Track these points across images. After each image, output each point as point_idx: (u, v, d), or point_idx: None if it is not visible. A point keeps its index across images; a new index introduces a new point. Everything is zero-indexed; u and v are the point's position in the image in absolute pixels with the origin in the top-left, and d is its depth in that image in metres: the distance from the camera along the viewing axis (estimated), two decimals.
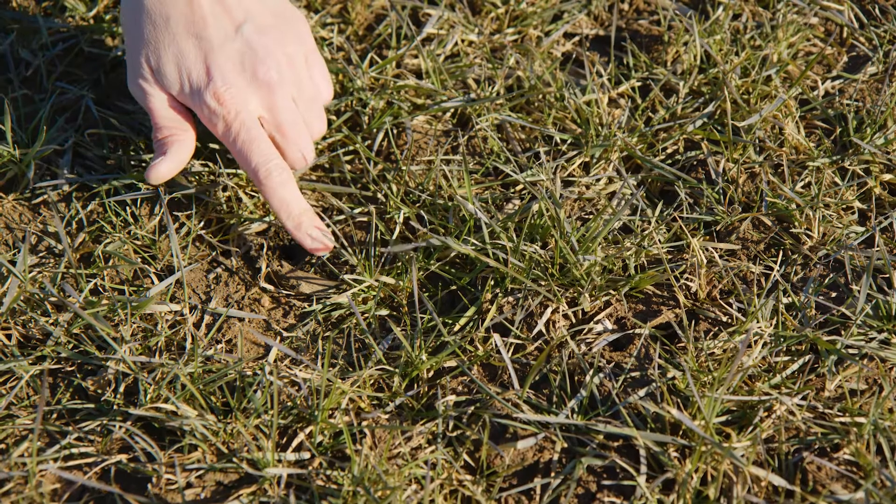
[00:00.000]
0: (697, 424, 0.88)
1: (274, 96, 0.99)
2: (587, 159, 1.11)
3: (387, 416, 0.93)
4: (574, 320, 1.00)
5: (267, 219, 1.06)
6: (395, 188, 1.08)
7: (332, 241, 1.00)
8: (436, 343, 0.98)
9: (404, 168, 1.09)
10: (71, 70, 1.18)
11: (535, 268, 1.00)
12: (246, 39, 0.98)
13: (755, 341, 0.96)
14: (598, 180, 1.10)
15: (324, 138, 1.13)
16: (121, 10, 1.02)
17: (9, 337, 0.97)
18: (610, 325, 0.99)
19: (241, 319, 1.00)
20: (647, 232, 1.03)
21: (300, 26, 1.03)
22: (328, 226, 1.06)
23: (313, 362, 0.97)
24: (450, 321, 0.99)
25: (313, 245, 1.00)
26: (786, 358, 0.96)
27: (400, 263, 1.03)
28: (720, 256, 1.04)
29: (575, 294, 1.00)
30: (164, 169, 1.00)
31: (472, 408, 0.93)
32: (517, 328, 0.98)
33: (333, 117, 1.15)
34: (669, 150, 1.13)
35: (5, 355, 0.95)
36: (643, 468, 0.88)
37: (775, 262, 1.03)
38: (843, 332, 0.97)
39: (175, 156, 1.01)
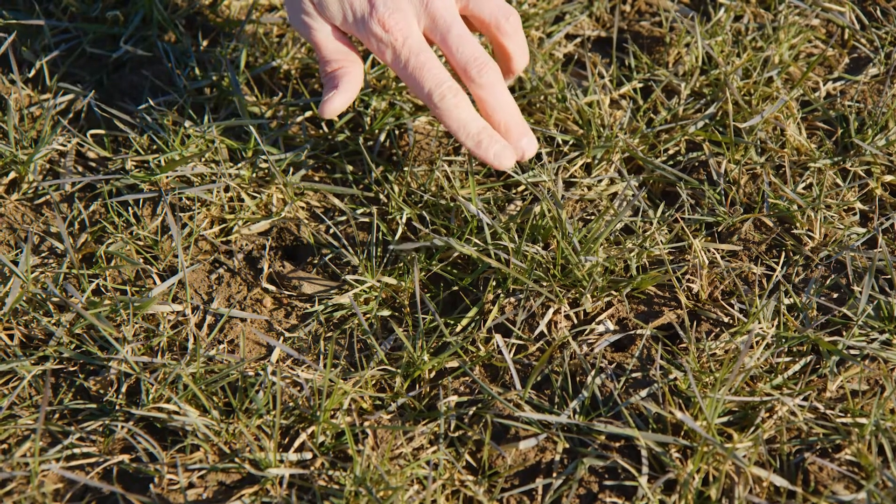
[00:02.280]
0: (699, 425, 0.88)
1: (436, 9, 0.96)
2: (589, 160, 1.12)
3: (389, 417, 0.93)
4: (576, 321, 1.00)
5: (269, 219, 1.06)
6: (397, 189, 1.08)
7: (514, 154, 0.99)
8: (438, 344, 0.98)
9: (406, 169, 1.09)
10: (73, 70, 1.18)
11: (536, 268, 1.00)
12: None
13: (757, 342, 0.96)
14: (599, 181, 1.10)
15: (325, 139, 1.13)
16: None
17: (11, 337, 0.97)
18: (612, 326, 0.99)
19: (243, 320, 1.00)
20: (648, 233, 1.04)
21: None
22: (334, 226, 1.06)
23: (315, 363, 0.97)
24: (452, 322, 0.99)
25: (497, 161, 0.98)
26: (787, 359, 0.96)
27: (402, 264, 1.03)
28: (722, 257, 1.04)
29: (577, 295, 1.00)
30: (337, 103, 0.99)
31: (474, 408, 0.93)
32: (519, 329, 0.98)
33: (335, 118, 1.15)
34: (671, 152, 1.13)
35: (8, 355, 0.96)
36: (645, 469, 0.88)
37: (777, 263, 1.03)
38: (844, 333, 0.97)
39: (347, 88, 1.00)
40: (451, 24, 0.97)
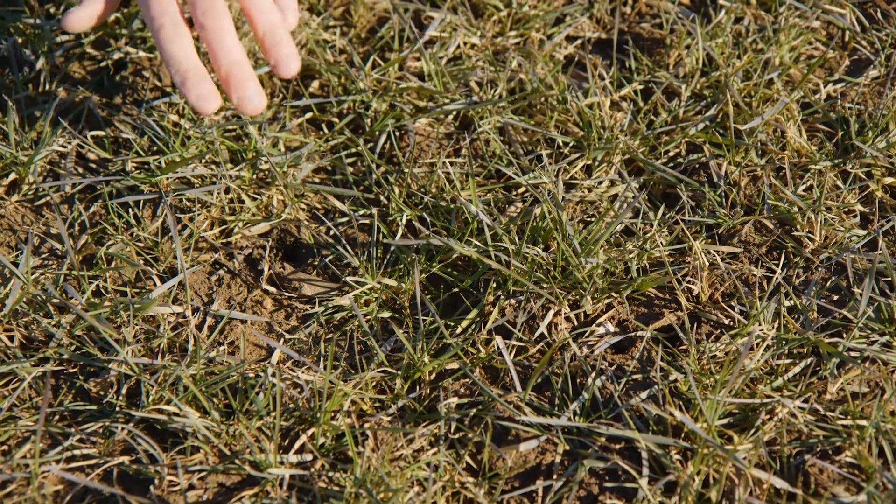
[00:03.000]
0: (699, 427, 0.88)
1: None
2: (589, 162, 1.12)
3: (389, 419, 0.93)
4: (576, 323, 1.00)
5: (269, 221, 1.06)
6: (397, 190, 1.08)
7: (218, 100, 0.96)
8: (438, 345, 0.98)
9: (407, 170, 1.09)
10: (74, 72, 1.18)
11: (537, 270, 1.00)
12: None
13: (757, 344, 0.96)
14: (600, 183, 1.10)
15: (326, 140, 1.13)
16: None
17: (11, 338, 0.97)
18: (612, 328, 0.99)
19: (243, 321, 1.00)
20: (649, 235, 1.04)
21: None
22: (335, 227, 1.06)
23: (315, 364, 0.97)
24: (452, 323, 0.99)
25: (198, 104, 0.96)
26: (788, 361, 0.96)
27: (402, 266, 1.03)
28: (722, 259, 1.04)
29: (577, 296, 1.00)
30: (77, 14, 1.00)
31: (475, 410, 0.93)
32: (519, 330, 0.98)
33: (336, 120, 1.15)
34: (671, 153, 1.13)
35: (8, 357, 0.96)
36: (645, 470, 0.88)
37: (777, 265, 1.03)
38: (844, 335, 0.97)
39: (90, 4, 1.00)
40: None
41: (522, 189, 1.09)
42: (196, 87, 0.95)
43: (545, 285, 1.00)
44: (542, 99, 1.16)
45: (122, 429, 0.91)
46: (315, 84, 1.19)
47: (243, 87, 0.96)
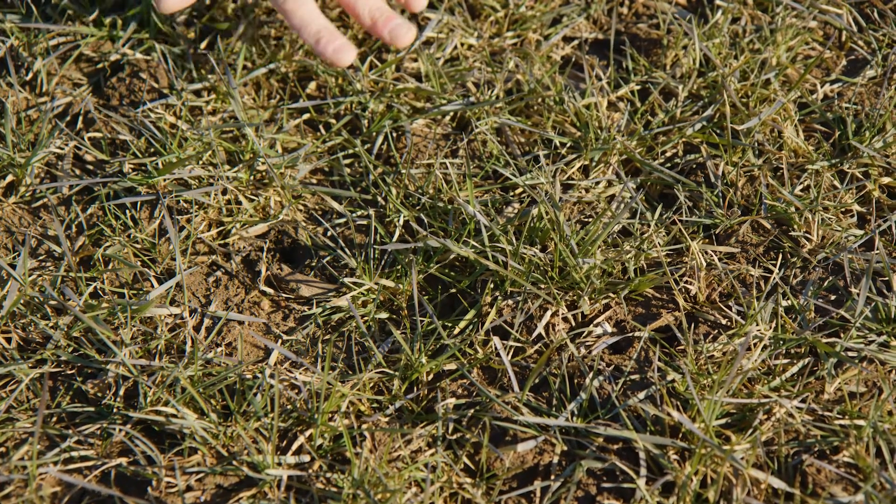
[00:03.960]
0: (697, 427, 0.88)
1: None
2: (586, 162, 1.12)
3: (387, 419, 0.93)
4: (574, 323, 1.00)
5: (267, 222, 1.06)
6: (394, 191, 1.08)
7: (353, 50, 1.04)
8: (435, 346, 0.98)
9: (404, 171, 1.09)
10: (71, 73, 1.18)
11: (534, 271, 1.00)
12: None
13: (754, 344, 0.96)
14: (597, 183, 1.10)
15: (323, 141, 1.13)
16: None
17: (9, 340, 0.97)
18: (609, 328, 0.99)
19: (240, 322, 1.00)
20: (646, 235, 1.04)
21: None
22: (332, 228, 1.06)
23: (313, 365, 0.97)
24: (449, 324, 0.99)
25: (335, 57, 1.03)
26: (785, 361, 0.96)
27: (400, 266, 1.03)
28: (719, 259, 1.04)
29: (574, 297, 1.00)
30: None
31: (472, 411, 0.93)
32: (517, 331, 0.98)
33: (333, 121, 1.15)
34: (669, 154, 1.13)
35: (5, 359, 0.95)
36: (643, 471, 0.88)
37: (774, 265, 1.03)
38: (842, 335, 0.97)
39: None
40: None
41: (520, 190, 1.09)
42: (331, 42, 1.01)
43: (543, 286, 1.00)
44: (540, 99, 1.16)
45: (120, 430, 0.91)
46: (312, 85, 1.19)
47: (391, 20, 1.03)
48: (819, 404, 0.93)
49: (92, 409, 0.93)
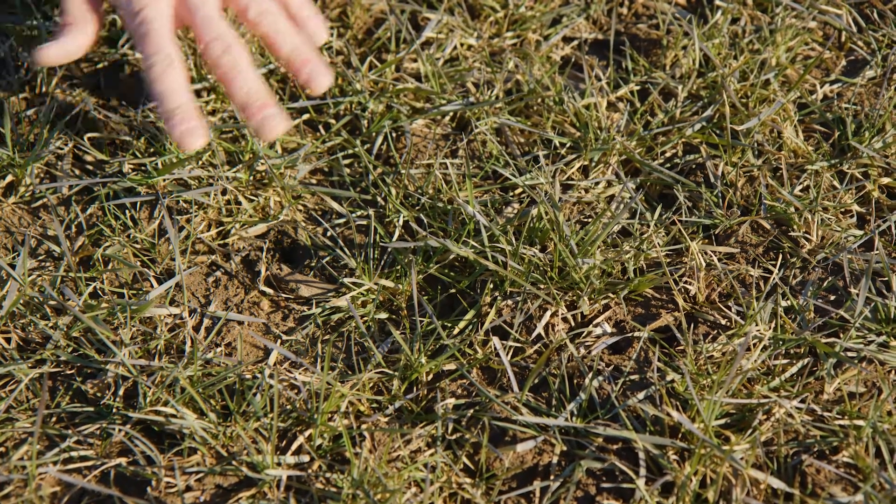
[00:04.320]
0: (696, 427, 0.88)
1: None
2: (586, 163, 1.12)
3: (386, 420, 0.93)
4: (573, 323, 1.00)
5: (266, 222, 1.06)
6: (394, 191, 1.08)
7: (202, 135, 0.94)
8: (435, 346, 0.98)
9: (403, 171, 1.09)
10: (70, 73, 1.18)
11: (534, 271, 1.00)
12: None
13: (754, 344, 0.96)
14: (596, 184, 1.10)
15: (323, 141, 1.13)
16: None
17: (8, 340, 0.97)
18: (609, 329, 0.99)
19: (240, 323, 1.00)
20: (645, 235, 1.04)
21: None
22: (332, 228, 1.06)
23: (313, 365, 0.97)
24: (449, 324, 0.99)
25: (181, 141, 0.93)
26: (785, 361, 0.96)
27: (399, 267, 1.03)
28: (719, 260, 1.04)
29: (574, 297, 1.00)
30: (50, 51, 0.98)
31: (472, 411, 0.93)
32: (516, 331, 0.98)
33: (333, 121, 1.16)
34: (668, 154, 1.13)
35: (5, 359, 0.95)
36: (642, 471, 0.88)
37: (774, 266, 1.03)
38: (841, 335, 0.97)
39: (66, 41, 0.98)
40: (200, 6, 0.96)
41: (519, 190, 1.09)
42: (182, 123, 0.93)
43: (542, 286, 1.00)
44: (539, 100, 1.16)
45: (120, 430, 0.91)
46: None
47: (263, 109, 0.94)
48: (818, 404, 0.93)
49: (91, 409, 0.93)
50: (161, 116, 0.95)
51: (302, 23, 1.01)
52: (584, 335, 0.99)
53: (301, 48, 0.97)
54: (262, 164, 1.09)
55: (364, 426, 0.92)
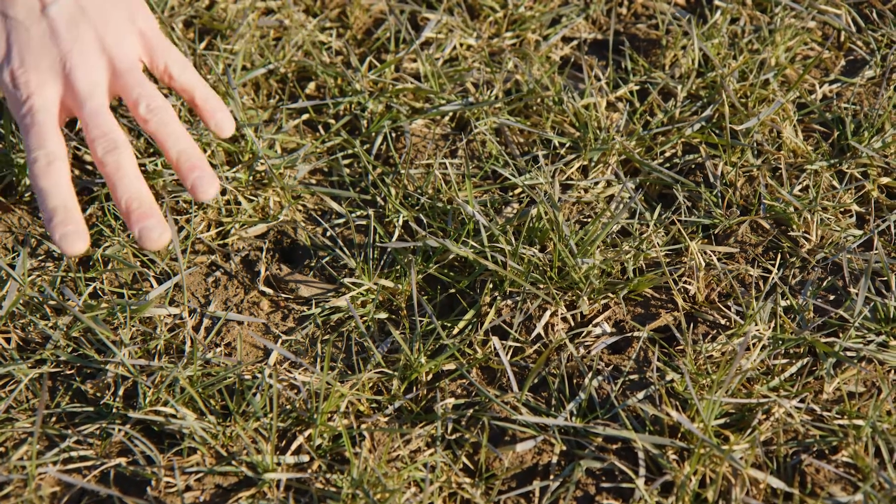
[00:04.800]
0: (696, 427, 0.88)
1: (75, 80, 0.91)
2: (585, 163, 1.12)
3: (386, 419, 0.93)
4: (573, 323, 1.00)
5: (266, 222, 1.06)
6: (393, 191, 1.08)
7: (82, 240, 0.88)
8: (435, 346, 0.98)
9: (403, 171, 1.09)
10: None
11: (533, 271, 1.00)
12: (51, 21, 0.91)
13: (753, 344, 0.96)
14: (596, 184, 1.10)
15: (322, 142, 1.13)
16: None
17: (8, 340, 0.97)
18: (608, 328, 0.99)
19: (240, 323, 1.00)
20: (645, 235, 1.04)
21: (133, 5, 0.95)
22: (331, 228, 1.06)
23: (312, 365, 0.97)
24: (448, 324, 0.99)
25: (61, 244, 0.88)
26: (784, 360, 0.96)
27: (399, 267, 1.03)
28: (718, 259, 1.04)
29: (573, 297, 1.00)
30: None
31: (471, 410, 0.93)
32: (516, 331, 0.98)
33: (332, 121, 1.16)
34: (668, 154, 1.13)
35: (5, 359, 0.95)
36: (642, 470, 0.88)
37: (773, 265, 1.03)
38: (841, 335, 0.97)
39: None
40: (87, 98, 0.92)
41: (519, 190, 1.09)
42: (62, 225, 0.87)
43: (542, 286, 1.00)
44: (539, 100, 1.16)
45: (119, 430, 0.91)
46: (311, 86, 1.19)
47: (145, 218, 0.88)
48: (818, 404, 0.93)
49: (91, 409, 0.93)
50: (42, 215, 0.90)
51: (208, 114, 0.97)
52: (583, 335, 0.99)
53: (189, 152, 0.92)
54: (262, 164, 1.09)
55: (364, 426, 0.92)
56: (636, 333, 0.98)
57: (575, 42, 1.25)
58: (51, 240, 0.94)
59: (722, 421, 0.91)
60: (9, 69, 0.91)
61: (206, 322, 1.00)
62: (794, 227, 1.06)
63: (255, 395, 0.93)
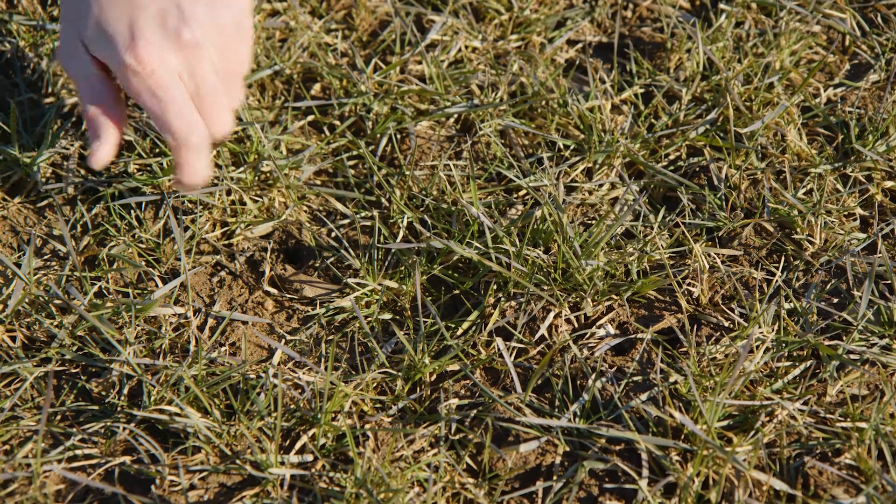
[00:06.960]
0: (699, 428, 0.88)
1: (195, 60, 0.91)
2: (590, 165, 1.12)
3: (390, 419, 0.94)
4: (576, 325, 1.00)
5: (271, 222, 1.07)
6: (398, 192, 1.09)
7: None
8: (439, 347, 0.98)
9: (408, 173, 1.10)
10: None
11: (537, 272, 1.01)
12: None
13: (757, 346, 0.96)
14: (600, 186, 1.10)
15: (328, 143, 1.14)
16: None
17: (13, 339, 0.97)
18: (612, 330, 1.00)
19: (244, 322, 1.00)
20: (649, 237, 1.04)
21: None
22: (336, 229, 1.07)
23: (317, 365, 0.97)
24: (453, 325, 1.00)
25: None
26: (787, 363, 0.96)
27: (403, 267, 1.03)
28: (722, 262, 1.04)
29: (577, 299, 1.00)
30: (99, 156, 0.94)
31: (475, 411, 0.93)
32: (520, 332, 0.98)
33: (338, 122, 1.16)
34: (672, 157, 1.13)
35: (10, 357, 0.96)
36: (645, 472, 0.88)
37: (777, 268, 1.03)
38: (844, 338, 0.97)
39: (106, 140, 0.94)
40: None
41: (523, 192, 1.09)
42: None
43: (546, 287, 1.00)
44: (543, 102, 1.16)
45: (124, 429, 0.91)
46: (317, 87, 1.19)
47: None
48: (821, 406, 0.93)
49: (96, 407, 0.93)
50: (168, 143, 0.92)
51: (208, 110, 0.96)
52: (587, 336, 0.99)
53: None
54: (267, 164, 1.09)
55: (367, 426, 0.92)
56: (640, 335, 0.99)
57: (580, 45, 1.25)
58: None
59: (725, 423, 0.91)
60: (131, 47, 0.90)
61: (210, 322, 1.00)
62: (798, 230, 1.06)
63: (259, 394, 0.93)
